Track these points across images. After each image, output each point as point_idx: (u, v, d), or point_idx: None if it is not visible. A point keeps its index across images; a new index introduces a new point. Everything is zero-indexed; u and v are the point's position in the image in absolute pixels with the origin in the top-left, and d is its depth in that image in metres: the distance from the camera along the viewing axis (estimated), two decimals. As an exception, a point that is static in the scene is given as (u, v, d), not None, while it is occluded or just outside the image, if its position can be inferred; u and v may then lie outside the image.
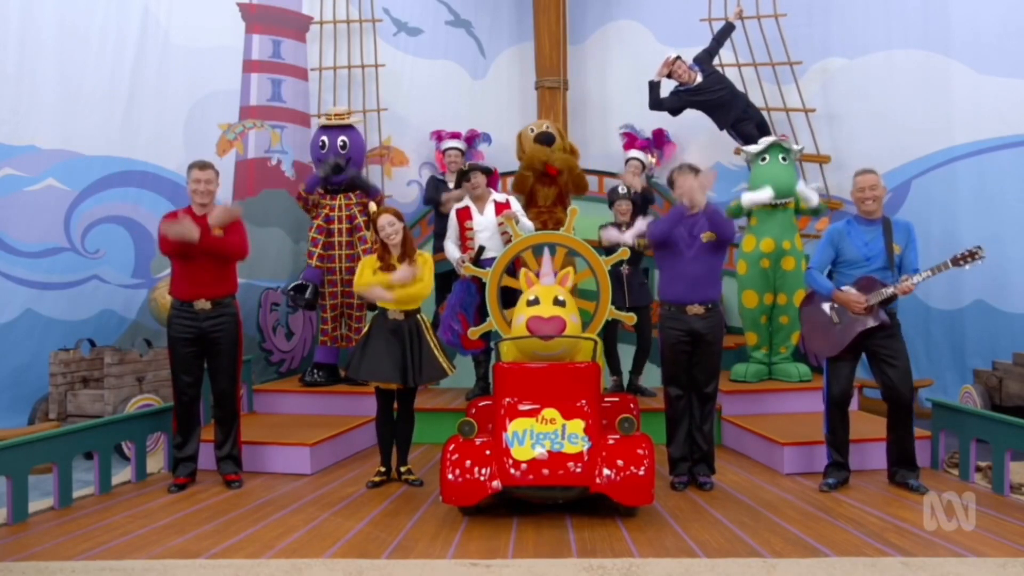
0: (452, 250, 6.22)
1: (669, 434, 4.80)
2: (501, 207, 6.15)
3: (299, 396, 6.52)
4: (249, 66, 7.91)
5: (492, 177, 6.61)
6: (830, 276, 4.71)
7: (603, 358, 4.71)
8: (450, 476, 4.03)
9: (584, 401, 4.20)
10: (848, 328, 4.55)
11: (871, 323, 4.48)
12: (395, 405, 5.01)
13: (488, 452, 4.09)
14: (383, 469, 4.99)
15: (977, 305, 7.09)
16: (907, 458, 4.65)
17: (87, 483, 4.95)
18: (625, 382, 6.53)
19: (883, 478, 4.76)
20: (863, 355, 4.68)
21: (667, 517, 4.13)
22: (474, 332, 5.55)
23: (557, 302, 4.50)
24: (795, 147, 6.66)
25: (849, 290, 4.53)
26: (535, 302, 4.51)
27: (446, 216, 6.70)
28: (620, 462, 4.01)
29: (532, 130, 7.09)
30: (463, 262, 5.93)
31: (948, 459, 5.17)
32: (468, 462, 4.05)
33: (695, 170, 4.68)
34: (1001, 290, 7.04)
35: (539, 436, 4.05)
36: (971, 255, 4.35)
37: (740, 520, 4.08)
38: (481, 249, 5.97)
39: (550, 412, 4.13)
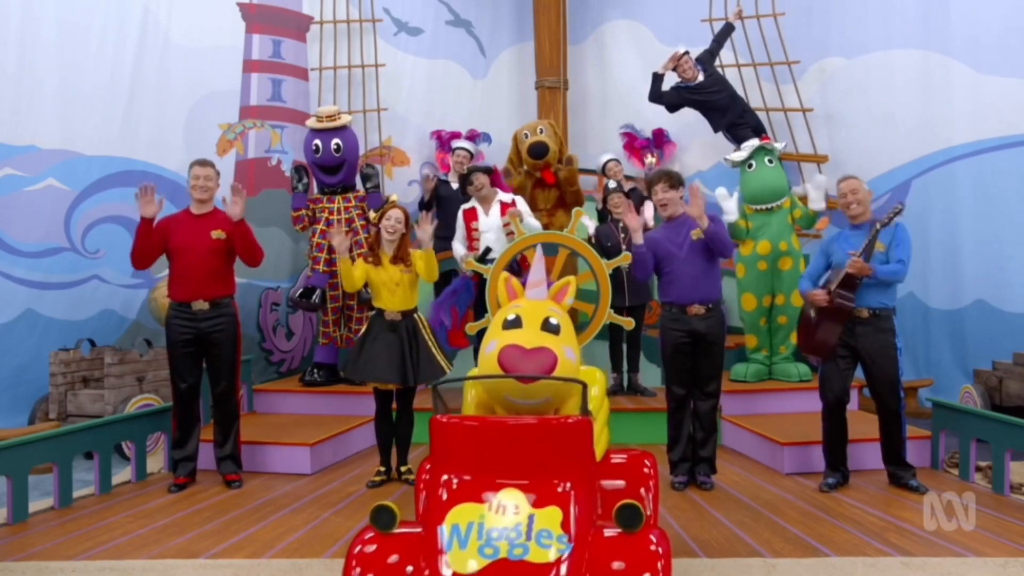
0: (459, 249, 6.24)
1: (670, 434, 4.79)
2: (507, 207, 6.16)
3: (299, 396, 6.52)
4: (249, 66, 7.91)
5: (495, 175, 6.60)
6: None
7: (604, 399, 3.44)
8: None
9: (567, 482, 2.68)
10: (827, 327, 4.54)
11: (839, 310, 4.47)
12: (394, 405, 5.01)
13: (411, 560, 2.59)
14: (383, 469, 4.99)
15: (977, 305, 7.09)
16: (897, 456, 4.65)
17: (87, 483, 4.96)
18: (625, 382, 6.54)
19: (883, 478, 4.76)
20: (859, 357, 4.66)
21: (667, 517, 4.13)
22: (472, 327, 5.59)
23: (548, 326, 2.99)
24: (778, 146, 6.66)
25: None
26: (515, 323, 2.99)
27: (446, 214, 6.70)
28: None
29: (526, 135, 6.97)
30: (466, 258, 5.95)
31: (948, 459, 5.17)
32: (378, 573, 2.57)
33: (673, 178, 4.66)
34: (1001, 290, 7.04)
35: (491, 534, 2.55)
36: (895, 213, 4.43)
37: (740, 520, 4.08)
38: (487, 250, 6.00)
39: (511, 495, 2.65)
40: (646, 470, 3.25)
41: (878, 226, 4.45)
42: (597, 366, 6.09)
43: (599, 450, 3.11)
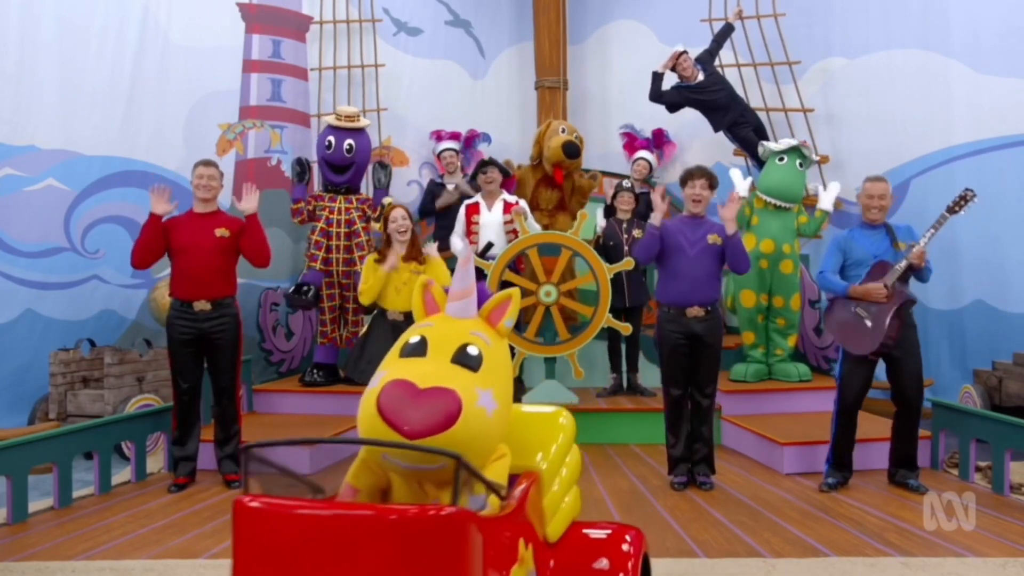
0: (458, 243, 6.25)
1: (669, 435, 4.79)
2: (510, 206, 6.19)
3: (299, 396, 6.51)
4: (249, 66, 7.91)
5: (508, 180, 6.60)
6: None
7: (573, 452, 2.71)
8: None
9: None
10: (879, 319, 4.44)
11: (899, 302, 4.42)
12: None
13: None
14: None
15: (977, 305, 7.08)
16: (909, 459, 4.65)
17: (87, 483, 4.95)
18: (625, 382, 6.54)
19: (883, 478, 4.76)
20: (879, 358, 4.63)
21: (667, 517, 4.13)
22: None
23: (462, 358, 2.11)
24: (814, 157, 6.66)
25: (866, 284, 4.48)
26: (417, 349, 2.15)
27: (446, 216, 6.71)
28: None
29: (563, 130, 6.93)
30: None
31: (948, 459, 5.18)
32: None
33: (713, 179, 4.64)
34: (1001, 290, 7.03)
35: None
36: (963, 199, 4.39)
37: (740, 520, 4.08)
38: (489, 245, 6.01)
39: None
40: (626, 547, 2.49)
41: (946, 213, 4.41)
42: (597, 366, 6.02)
43: (563, 521, 2.52)
